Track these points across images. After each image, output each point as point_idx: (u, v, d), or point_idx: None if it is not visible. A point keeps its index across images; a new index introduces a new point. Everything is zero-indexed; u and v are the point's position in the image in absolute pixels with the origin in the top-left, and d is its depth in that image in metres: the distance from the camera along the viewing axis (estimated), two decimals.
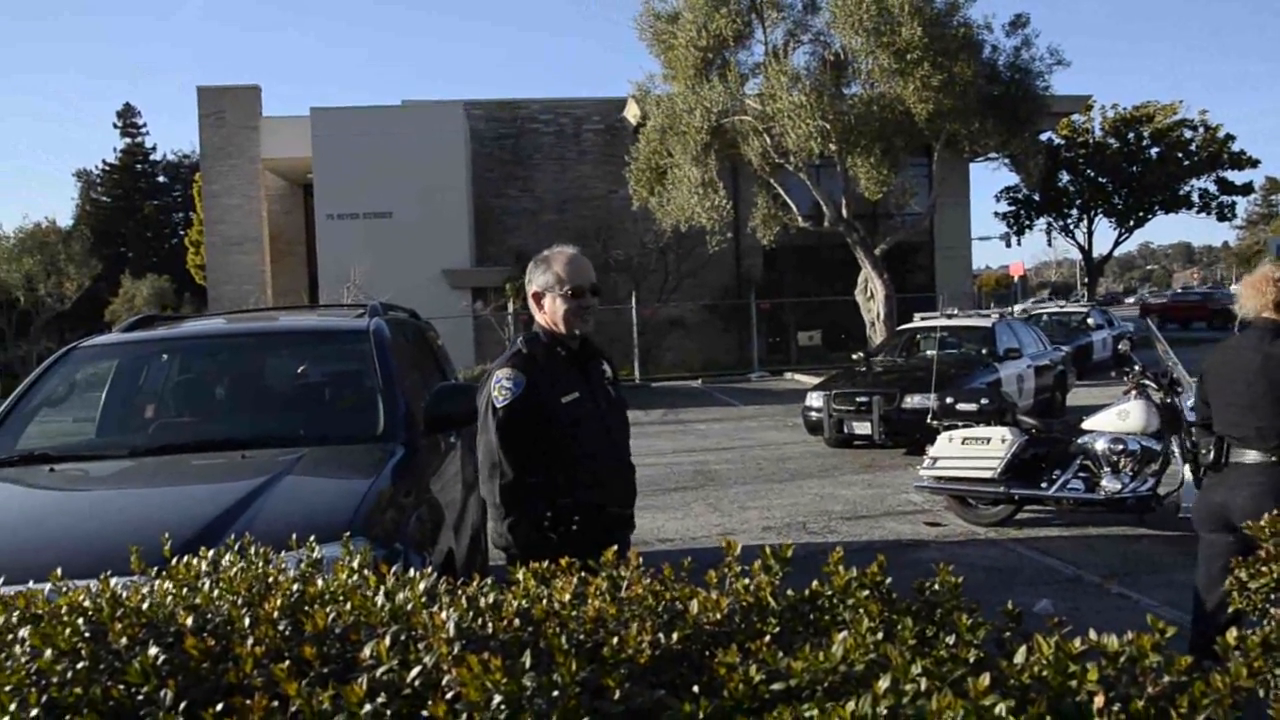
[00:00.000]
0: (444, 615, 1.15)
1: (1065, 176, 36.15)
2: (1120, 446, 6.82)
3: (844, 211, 18.96)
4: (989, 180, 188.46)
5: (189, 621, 1.25)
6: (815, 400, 11.52)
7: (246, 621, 1.24)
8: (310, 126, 25.29)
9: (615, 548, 1.70)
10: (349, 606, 1.26)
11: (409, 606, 1.24)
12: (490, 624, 1.23)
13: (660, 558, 1.64)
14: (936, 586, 1.53)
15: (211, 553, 2.02)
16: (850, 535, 7.26)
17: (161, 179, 62.75)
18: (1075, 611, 5.30)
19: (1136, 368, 7.11)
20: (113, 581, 1.78)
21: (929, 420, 7.91)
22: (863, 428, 10.88)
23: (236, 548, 2.07)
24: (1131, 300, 62.69)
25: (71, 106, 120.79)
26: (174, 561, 1.97)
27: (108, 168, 61.85)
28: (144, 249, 57.31)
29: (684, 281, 26.97)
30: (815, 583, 1.46)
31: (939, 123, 17.46)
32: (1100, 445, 6.91)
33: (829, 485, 9.35)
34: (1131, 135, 35.33)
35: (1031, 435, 7.34)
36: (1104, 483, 6.84)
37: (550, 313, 2.95)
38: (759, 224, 19.33)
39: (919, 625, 1.28)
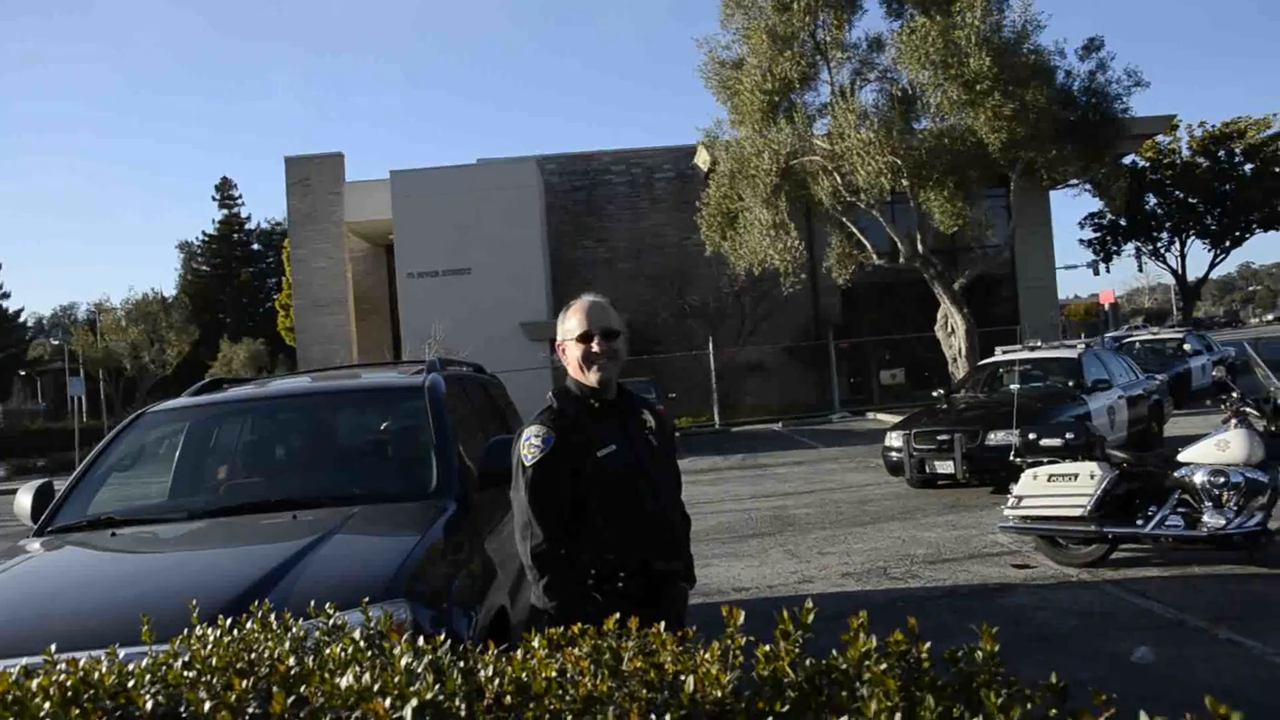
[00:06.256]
0: (387, 704, 1.05)
1: (1152, 199, 34.96)
2: (1222, 479, 6.38)
3: (920, 247, 18.57)
4: (1071, 207, 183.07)
5: (148, 706, 1.19)
6: (895, 440, 11.18)
7: (206, 707, 1.16)
8: (390, 189, 26.04)
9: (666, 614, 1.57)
10: (312, 689, 1.17)
11: (376, 687, 1.14)
12: (462, 706, 1.13)
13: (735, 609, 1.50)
14: (978, 654, 1.37)
15: (229, 622, 1.97)
16: (933, 580, 6.93)
17: (256, 246, 65.59)
18: (1179, 660, 4.92)
19: (1234, 394, 6.66)
20: (122, 653, 1.74)
21: (1011, 457, 7.56)
22: (945, 467, 10.51)
23: (259, 615, 2.02)
24: None
25: (171, 184, 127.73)
26: (199, 629, 1.92)
27: (207, 238, 64.94)
28: (240, 314, 59.80)
29: (761, 325, 26.75)
30: (834, 652, 1.31)
31: (1013, 152, 17.04)
32: (1199, 478, 6.47)
33: (911, 528, 8.99)
34: (1222, 153, 34.00)
35: (1123, 470, 6.94)
36: (1206, 518, 6.39)
37: (569, 361, 2.87)
38: (834, 263, 19.09)
39: (943, 704, 1.13)
